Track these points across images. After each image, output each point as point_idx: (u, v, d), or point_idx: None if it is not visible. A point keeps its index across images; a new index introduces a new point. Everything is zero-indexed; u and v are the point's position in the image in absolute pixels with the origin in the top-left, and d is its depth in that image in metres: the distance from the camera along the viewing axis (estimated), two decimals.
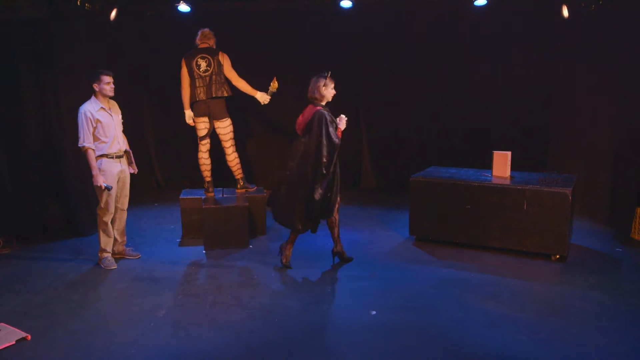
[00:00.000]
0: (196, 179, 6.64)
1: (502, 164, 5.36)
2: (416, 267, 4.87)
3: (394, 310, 3.96)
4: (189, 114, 5.73)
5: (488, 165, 5.54)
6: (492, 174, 5.42)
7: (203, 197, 5.74)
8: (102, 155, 4.70)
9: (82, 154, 4.71)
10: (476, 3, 6.51)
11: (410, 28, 7.53)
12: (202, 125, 5.74)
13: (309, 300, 4.15)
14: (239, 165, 6.00)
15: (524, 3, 6.79)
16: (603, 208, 6.15)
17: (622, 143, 5.86)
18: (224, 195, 5.84)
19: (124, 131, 4.97)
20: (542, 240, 4.91)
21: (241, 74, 5.74)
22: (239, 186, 6.06)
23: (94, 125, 4.64)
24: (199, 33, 5.71)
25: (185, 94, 5.69)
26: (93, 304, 4.12)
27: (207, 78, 5.58)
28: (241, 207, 5.43)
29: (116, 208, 4.95)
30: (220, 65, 5.60)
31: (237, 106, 6.51)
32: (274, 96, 5.75)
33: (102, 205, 4.77)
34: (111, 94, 4.74)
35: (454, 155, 7.39)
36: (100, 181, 4.64)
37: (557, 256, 4.92)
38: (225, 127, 5.76)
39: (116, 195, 4.89)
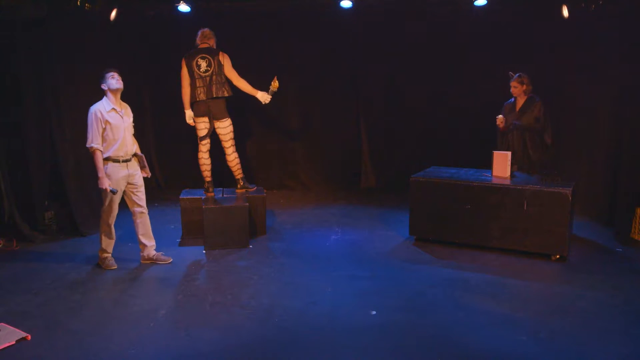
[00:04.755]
0: (196, 179, 6.64)
1: (502, 164, 5.36)
2: (416, 267, 4.87)
3: (394, 310, 3.97)
4: (189, 114, 5.74)
5: (488, 165, 5.54)
6: (492, 174, 5.42)
7: (203, 197, 5.74)
8: (107, 158, 4.64)
9: (89, 154, 4.63)
10: (476, 3, 6.51)
11: (410, 28, 7.54)
12: (202, 126, 5.74)
13: (309, 300, 4.15)
14: (239, 165, 6.00)
15: (524, 3, 6.79)
16: (603, 208, 6.15)
17: (622, 143, 5.85)
18: (224, 195, 5.84)
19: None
20: (542, 240, 4.91)
21: (241, 74, 5.74)
22: (239, 186, 6.06)
23: (103, 126, 4.59)
24: (199, 33, 5.72)
25: (185, 94, 5.69)
26: (93, 304, 4.12)
27: (208, 78, 5.58)
28: (241, 207, 5.43)
29: (135, 212, 4.88)
30: (220, 66, 5.60)
31: (237, 106, 6.51)
32: (274, 96, 5.75)
33: (106, 207, 4.73)
34: (118, 85, 4.64)
35: (454, 155, 7.39)
36: (106, 184, 4.59)
37: (557, 256, 4.92)
38: (225, 127, 5.76)
39: (132, 201, 4.83)
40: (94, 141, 4.56)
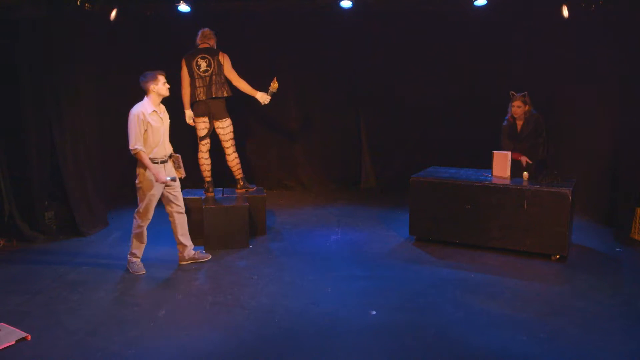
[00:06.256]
0: (196, 179, 6.64)
1: (502, 164, 5.36)
2: (416, 267, 4.87)
3: (394, 310, 3.97)
4: (189, 114, 5.74)
5: (488, 165, 5.54)
6: (492, 174, 5.42)
7: (203, 197, 5.74)
8: None
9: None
10: (476, 3, 6.50)
11: (410, 28, 7.53)
12: (202, 125, 5.74)
13: (309, 300, 4.15)
14: (239, 165, 6.00)
15: (524, 3, 6.79)
16: (603, 208, 6.15)
17: (622, 143, 5.86)
18: (224, 195, 5.84)
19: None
20: (542, 240, 4.91)
21: (241, 74, 5.74)
22: (239, 186, 6.06)
23: (145, 128, 4.53)
24: (199, 33, 5.72)
25: (185, 94, 5.69)
26: (93, 304, 4.12)
27: (207, 78, 5.58)
28: (241, 207, 5.43)
29: (172, 212, 4.84)
30: (220, 66, 5.60)
31: (237, 106, 6.51)
32: (274, 96, 5.75)
33: (142, 209, 4.66)
34: (168, 93, 4.66)
35: (454, 155, 7.39)
36: (164, 177, 4.57)
37: (557, 256, 4.92)
38: (225, 127, 5.76)
39: (170, 201, 4.79)
40: (137, 143, 4.48)
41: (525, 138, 5.52)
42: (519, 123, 5.55)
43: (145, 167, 4.57)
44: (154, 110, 4.60)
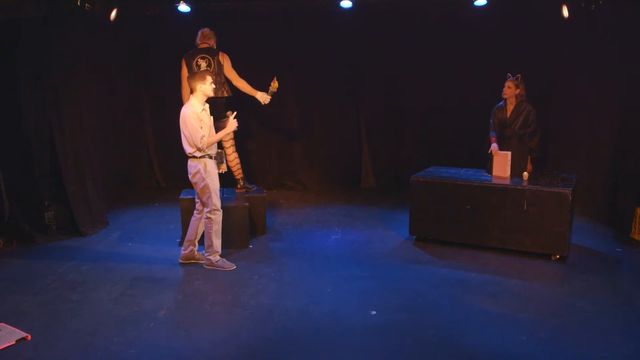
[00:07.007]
0: None
1: (502, 164, 5.36)
2: (416, 267, 4.87)
3: (394, 310, 3.97)
4: None
5: None
6: (492, 174, 5.42)
7: None
8: (203, 156, 4.66)
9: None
10: (476, 3, 6.51)
11: (410, 28, 7.54)
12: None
13: (309, 300, 4.15)
14: (239, 165, 6.00)
15: (524, 3, 6.79)
16: (603, 208, 6.15)
17: (622, 143, 5.86)
18: (224, 195, 5.83)
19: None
20: (542, 240, 4.91)
21: (241, 74, 5.74)
22: (239, 186, 6.06)
23: (200, 125, 4.63)
24: (199, 33, 5.72)
25: (185, 94, 5.69)
26: (93, 304, 4.12)
27: None
28: (241, 207, 5.43)
29: (202, 212, 4.87)
30: (220, 66, 5.60)
31: (237, 106, 6.50)
32: (274, 96, 5.75)
33: (212, 206, 4.71)
34: (213, 93, 4.80)
35: (454, 155, 7.39)
36: (234, 122, 4.84)
37: (557, 256, 4.92)
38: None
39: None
40: (200, 140, 4.58)
41: (512, 124, 5.49)
42: (509, 108, 5.55)
43: (210, 147, 4.72)
44: (203, 109, 4.71)
